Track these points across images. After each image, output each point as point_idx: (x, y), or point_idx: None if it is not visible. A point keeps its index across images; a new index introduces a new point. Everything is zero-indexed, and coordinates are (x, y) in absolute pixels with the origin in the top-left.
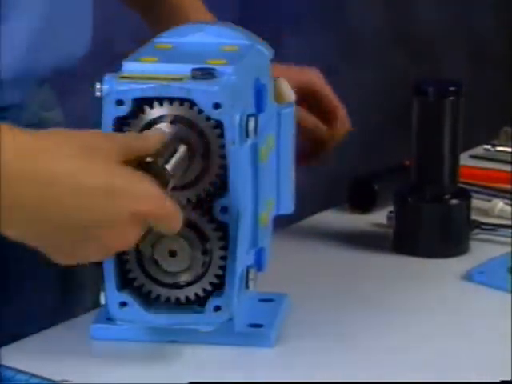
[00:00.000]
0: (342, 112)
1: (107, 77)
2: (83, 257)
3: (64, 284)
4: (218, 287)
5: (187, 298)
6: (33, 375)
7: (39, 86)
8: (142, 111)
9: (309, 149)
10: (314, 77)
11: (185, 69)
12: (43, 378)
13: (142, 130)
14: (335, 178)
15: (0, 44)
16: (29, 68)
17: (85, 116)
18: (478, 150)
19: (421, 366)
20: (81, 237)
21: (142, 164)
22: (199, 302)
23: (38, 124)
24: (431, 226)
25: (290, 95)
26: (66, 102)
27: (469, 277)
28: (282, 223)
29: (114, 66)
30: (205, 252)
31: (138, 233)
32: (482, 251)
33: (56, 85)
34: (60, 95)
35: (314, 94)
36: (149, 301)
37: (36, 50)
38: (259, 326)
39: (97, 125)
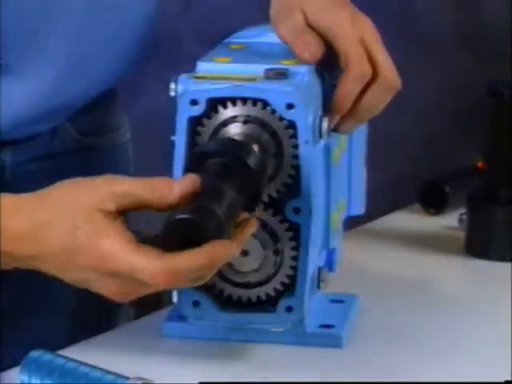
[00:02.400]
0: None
1: (182, 77)
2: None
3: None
4: (289, 287)
5: (258, 297)
6: (107, 372)
7: (79, 112)
8: (216, 111)
9: None
10: (334, 25)
11: (258, 69)
12: (118, 375)
13: (215, 130)
14: (402, 179)
15: (25, 82)
16: (55, 102)
17: (151, 115)
18: None
19: (495, 367)
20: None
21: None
22: (270, 302)
23: (78, 149)
24: (504, 230)
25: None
26: (132, 102)
27: None
28: (352, 224)
29: (182, 66)
30: (276, 252)
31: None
32: None
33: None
34: (126, 96)
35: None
36: (221, 300)
37: (62, 84)
38: (330, 326)
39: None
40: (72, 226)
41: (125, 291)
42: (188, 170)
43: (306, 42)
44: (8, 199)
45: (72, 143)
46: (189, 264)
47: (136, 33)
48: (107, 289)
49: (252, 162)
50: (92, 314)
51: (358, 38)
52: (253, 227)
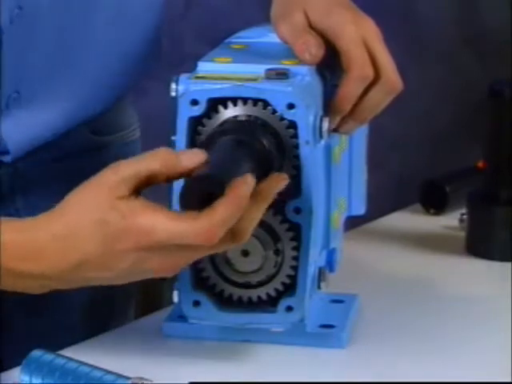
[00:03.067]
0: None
1: (182, 77)
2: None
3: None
4: (290, 288)
5: (259, 297)
6: (108, 372)
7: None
8: (216, 111)
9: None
10: (335, 26)
11: (259, 69)
12: (118, 375)
13: (209, 138)
14: (403, 179)
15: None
16: (68, 126)
17: (152, 115)
18: None
19: (496, 367)
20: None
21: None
22: (271, 302)
23: (91, 148)
24: (505, 229)
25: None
26: (133, 102)
27: None
28: (353, 224)
29: (183, 67)
30: (277, 252)
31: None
32: None
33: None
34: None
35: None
36: (221, 300)
37: (75, 113)
38: (331, 326)
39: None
40: (98, 221)
41: (170, 263)
42: (205, 144)
43: (307, 43)
44: (22, 222)
45: (85, 143)
46: (224, 213)
47: (145, 50)
48: (152, 266)
49: (264, 139)
50: (101, 311)
51: (361, 39)
52: (283, 181)
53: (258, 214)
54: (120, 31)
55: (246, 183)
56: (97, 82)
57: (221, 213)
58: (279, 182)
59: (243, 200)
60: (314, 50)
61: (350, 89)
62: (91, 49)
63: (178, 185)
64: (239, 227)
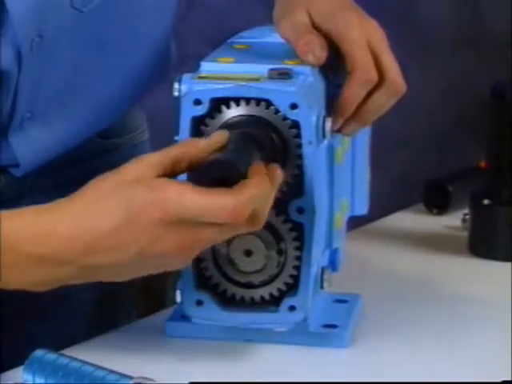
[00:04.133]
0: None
1: (185, 77)
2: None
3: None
4: (293, 287)
5: (262, 297)
6: (111, 371)
7: None
8: (219, 111)
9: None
10: (340, 27)
11: (262, 69)
12: (122, 375)
13: (222, 125)
14: (405, 179)
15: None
16: (79, 141)
17: (155, 115)
18: None
19: (496, 367)
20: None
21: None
22: (274, 302)
23: (100, 152)
24: (507, 229)
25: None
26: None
27: None
28: (356, 224)
29: (185, 67)
30: (280, 252)
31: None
32: None
33: None
34: None
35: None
36: (224, 300)
37: (87, 129)
38: (333, 326)
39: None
40: (122, 197)
41: (189, 243)
42: None
43: (310, 43)
44: (42, 206)
45: (93, 147)
46: (253, 192)
47: (156, 70)
48: (170, 246)
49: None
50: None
51: (365, 41)
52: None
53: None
54: (133, 56)
55: (276, 169)
56: (108, 102)
57: (250, 192)
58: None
59: (268, 184)
60: (317, 51)
61: (353, 91)
62: (104, 73)
63: (182, 175)
64: (258, 211)
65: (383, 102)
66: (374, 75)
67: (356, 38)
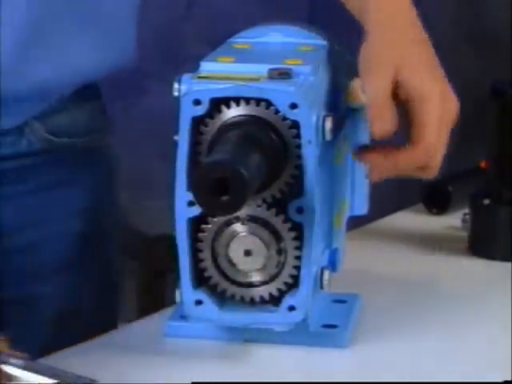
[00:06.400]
0: (429, 139)
1: (185, 77)
2: None
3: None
4: (293, 287)
5: (261, 297)
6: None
7: (50, 109)
8: (219, 111)
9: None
10: (423, 94)
11: (262, 69)
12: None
13: (218, 130)
14: (405, 179)
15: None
16: (20, 80)
17: (154, 115)
18: None
19: (496, 367)
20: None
21: None
22: (274, 302)
23: (44, 150)
24: (508, 229)
25: (362, 97)
26: (135, 102)
27: None
28: (355, 224)
29: (185, 66)
30: (279, 252)
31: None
32: None
33: (122, 87)
34: (129, 96)
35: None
36: (224, 299)
37: (24, 64)
38: (333, 326)
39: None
40: None
41: None
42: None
43: (384, 118)
44: None
45: (42, 144)
46: None
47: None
48: None
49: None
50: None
51: (440, 120)
52: None
53: None
54: None
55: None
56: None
57: None
58: None
59: None
60: (388, 128)
61: (405, 159)
62: None
63: (181, 175)
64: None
65: (406, 172)
66: (427, 161)
67: (434, 113)
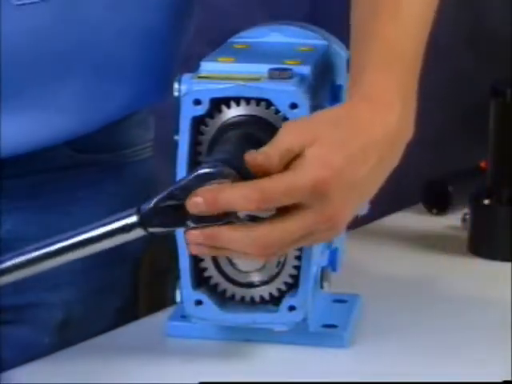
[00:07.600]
0: None
1: (185, 77)
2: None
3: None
4: (293, 287)
5: (261, 297)
6: None
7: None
8: (219, 111)
9: None
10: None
11: (262, 69)
12: None
13: (218, 130)
14: (405, 179)
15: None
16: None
17: (157, 115)
18: None
19: (496, 367)
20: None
21: None
22: (274, 302)
23: (69, 167)
24: (507, 229)
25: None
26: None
27: None
28: (355, 224)
29: (185, 66)
30: None
31: None
32: None
33: None
34: None
35: None
36: (224, 299)
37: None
38: (333, 326)
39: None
40: None
41: None
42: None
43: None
44: None
45: (64, 160)
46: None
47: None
48: None
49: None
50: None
51: (313, 224)
52: None
53: None
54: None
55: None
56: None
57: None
58: None
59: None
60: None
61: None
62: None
63: (181, 175)
64: None
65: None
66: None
67: (309, 216)
